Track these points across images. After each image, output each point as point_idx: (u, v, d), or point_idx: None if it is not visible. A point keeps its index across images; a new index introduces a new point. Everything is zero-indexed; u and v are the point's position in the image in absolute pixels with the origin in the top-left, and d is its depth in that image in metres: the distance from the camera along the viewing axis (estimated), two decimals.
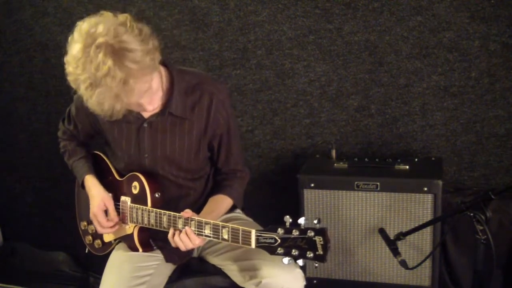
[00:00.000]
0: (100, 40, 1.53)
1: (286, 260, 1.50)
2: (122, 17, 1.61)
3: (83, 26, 1.59)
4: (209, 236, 1.66)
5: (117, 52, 1.52)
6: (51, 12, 2.94)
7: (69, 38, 1.63)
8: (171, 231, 1.74)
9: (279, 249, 1.50)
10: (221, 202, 1.92)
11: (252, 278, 1.76)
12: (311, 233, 1.45)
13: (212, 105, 1.84)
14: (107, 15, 1.62)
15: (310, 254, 1.46)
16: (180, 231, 1.71)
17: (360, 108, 2.61)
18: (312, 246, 1.46)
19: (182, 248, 1.72)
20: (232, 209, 2.02)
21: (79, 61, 1.56)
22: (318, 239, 1.45)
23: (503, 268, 2.37)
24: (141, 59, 1.55)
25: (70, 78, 1.62)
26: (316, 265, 1.49)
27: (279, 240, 1.50)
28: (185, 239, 1.70)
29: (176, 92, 1.81)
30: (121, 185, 1.96)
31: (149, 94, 1.68)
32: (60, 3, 2.90)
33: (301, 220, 1.48)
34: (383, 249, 2.33)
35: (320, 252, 1.45)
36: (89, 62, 1.53)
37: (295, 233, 1.47)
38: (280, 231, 1.49)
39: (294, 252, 1.48)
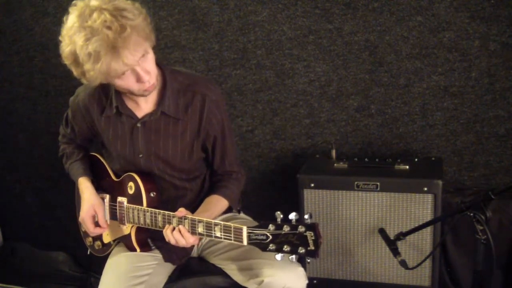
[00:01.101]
0: (94, 4, 1.58)
1: (279, 256, 1.49)
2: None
3: (77, 3, 1.64)
4: (202, 234, 1.66)
5: (112, 11, 1.56)
6: (51, 12, 2.94)
7: (64, 19, 1.66)
8: (166, 226, 1.74)
9: (271, 245, 1.49)
10: (215, 203, 1.92)
11: (253, 277, 1.76)
12: (302, 229, 1.45)
13: (205, 106, 1.84)
14: None
15: (301, 250, 1.45)
16: (174, 228, 1.72)
17: (360, 108, 2.61)
18: (304, 241, 1.45)
19: (173, 243, 1.73)
20: (230, 209, 2.02)
21: (74, 25, 1.59)
22: (309, 235, 1.44)
23: (503, 268, 2.37)
24: (136, 18, 1.59)
25: (66, 51, 1.63)
26: (309, 261, 1.48)
27: (270, 237, 1.49)
28: (178, 236, 1.70)
29: (169, 92, 1.82)
30: (117, 185, 1.97)
31: (146, 64, 1.67)
32: (60, 3, 2.90)
33: (292, 216, 1.47)
34: (383, 249, 2.33)
35: (312, 247, 1.44)
36: (85, 21, 1.56)
37: (286, 228, 1.46)
38: (271, 227, 1.49)
39: (286, 248, 1.47)
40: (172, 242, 1.72)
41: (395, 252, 2.08)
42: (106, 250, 2.07)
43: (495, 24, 2.33)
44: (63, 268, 3.22)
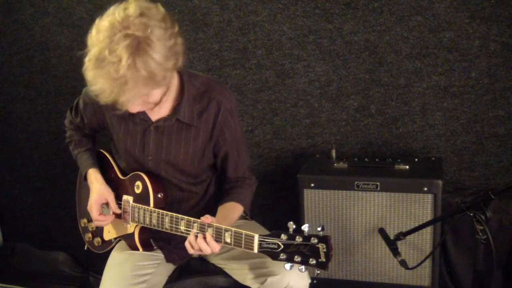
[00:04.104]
0: (128, 32, 1.49)
1: (288, 266, 1.50)
2: (170, 21, 1.58)
3: (120, 12, 1.53)
4: (229, 243, 1.61)
5: (137, 50, 1.48)
6: (51, 12, 2.94)
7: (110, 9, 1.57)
8: (191, 233, 1.68)
9: (281, 254, 1.50)
10: (233, 210, 1.89)
11: (256, 276, 1.76)
12: (314, 240, 1.46)
13: (220, 114, 1.83)
14: (159, 9, 1.58)
15: (312, 261, 1.47)
16: (196, 236, 1.66)
17: (360, 108, 2.61)
18: (315, 253, 1.47)
19: (196, 250, 1.66)
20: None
21: (102, 33, 1.51)
22: (321, 247, 1.46)
23: (503, 268, 2.37)
24: (153, 71, 1.51)
25: (88, 39, 1.57)
26: (318, 272, 1.50)
27: (282, 246, 1.50)
28: (203, 245, 1.64)
29: (186, 99, 1.80)
30: (123, 184, 1.96)
31: (142, 101, 1.64)
32: (60, 3, 2.90)
33: (305, 227, 1.49)
34: (383, 249, 2.33)
35: (323, 259, 1.46)
36: (108, 41, 1.48)
37: (299, 239, 1.48)
38: (284, 237, 1.50)
39: (297, 258, 1.49)
40: (196, 249, 1.66)
41: (395, 252, 2.08)
42: (105, 247, 2.07)
43: (495, 24, 2.33)
44: (63, 268, 3.22)
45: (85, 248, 2.17)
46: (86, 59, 1.53)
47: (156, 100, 1.69)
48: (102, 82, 1.51)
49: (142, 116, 1.84)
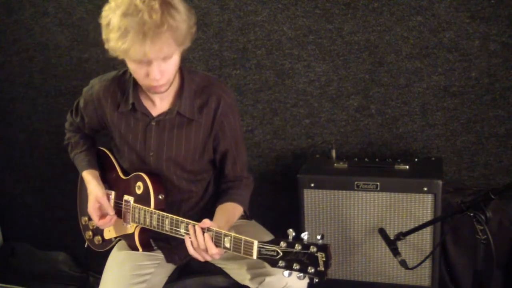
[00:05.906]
0: None
1: (286, 273, 1.50)
2: None
3: None
4: (228, 249, 1.61)
5: (163, 3, 1.56)
6: (51, 12, 2.94)
7: None
8: (191, 230, 1.68)
9: (280, 262, 1.50)
10: (233, 211, 1.89)
11: (254, 276, 1.76)
12: (313, 249, 1.46)
13: (219, 107, 1.84)
14: None
15: (311, 270, 1.47)
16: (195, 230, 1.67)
17: (360, 108, 2.61)
18: (314, 261, 1.46)
19: (195, 246, 1.66)
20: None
21: None
22: (320, 255, 1.45)
23: (503, 268, 2.37)
24: (181, 22, 1.59)
25: (105, 11, 1.62)
26: (316, 280, 1.49)
27: (281, 253, 1.50)
28: (200, 240, 1.64)
29: (186, 93, 1.82)
30: (125, 184, 1.96)
31: (165, 66, 1.65)
32: (60, 3, 2.90)
33: (304, 235, 1.49)
34: (383, 249, 2.33)
35: (321, 268, 1.45)
36: None
37: (298, 247, 1.48)
38: (283, 244, 1.50)
39: (296, 266, 1.48)
40: (192, 240, 1.66)
41: (395, 252, 2.08)
42: (105, 246, 2.07)
43: (495, 24, 2.33)
44: (63, 268, 3.22)
45: (85, 246, 2.17)
46: (114, 19, 1.57)
47: (173, 71, 1.70)
48: (135, 30, 1.54)
49: (143, 111, 1.84)
